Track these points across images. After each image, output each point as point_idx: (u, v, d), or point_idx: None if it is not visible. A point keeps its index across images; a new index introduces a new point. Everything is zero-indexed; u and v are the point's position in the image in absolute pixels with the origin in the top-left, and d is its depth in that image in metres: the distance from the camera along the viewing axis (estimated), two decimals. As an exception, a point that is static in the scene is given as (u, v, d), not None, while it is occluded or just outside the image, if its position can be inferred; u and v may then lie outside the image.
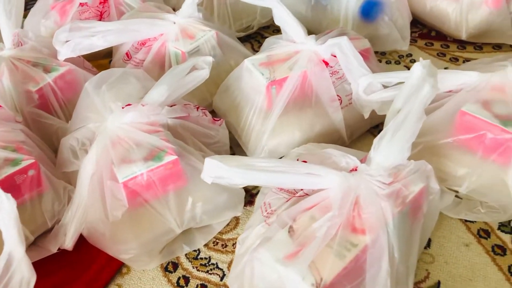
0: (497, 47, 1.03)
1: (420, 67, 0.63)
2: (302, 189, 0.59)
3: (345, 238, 0.52)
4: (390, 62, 1.03)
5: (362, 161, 0.60)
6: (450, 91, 0.72)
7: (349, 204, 0.54)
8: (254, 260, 0.54)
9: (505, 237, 0.67)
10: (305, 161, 0.61)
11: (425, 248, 0.67)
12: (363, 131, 0.83)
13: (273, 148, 0.76)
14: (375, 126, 0.85)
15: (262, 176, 0.55)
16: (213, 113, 0.89)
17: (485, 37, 1.01)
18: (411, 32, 1.10)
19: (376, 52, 1.05)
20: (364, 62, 0.77)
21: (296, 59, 0.78)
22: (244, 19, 1.12)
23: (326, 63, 0.78)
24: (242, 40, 1.14)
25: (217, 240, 0.72)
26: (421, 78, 0.61)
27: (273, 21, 0.84)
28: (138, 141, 0.65)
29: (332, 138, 0.79)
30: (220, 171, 0.54)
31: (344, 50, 0.74)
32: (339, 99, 0.78)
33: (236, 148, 0.84)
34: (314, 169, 0.56)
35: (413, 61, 1.02)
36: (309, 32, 0.84)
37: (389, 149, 0.57)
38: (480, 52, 1.03)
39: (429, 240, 0.68)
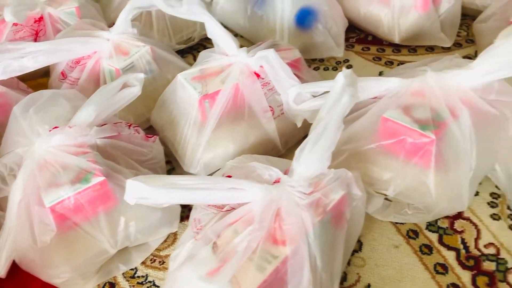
0: (430, 49, 1.07)
1: (341, 77, 0.65)
2: (228, 204, 0.60)
3: (266, 250, 0.53)
4: (328, 69, 1.05)
5: (286, 172, 0.61)
6: (375, 98, 0.74)
7: (270, 216, 0.55)
8: (178, 278, 0.54)
9: (432, 236, 0.70)
10: (230, 176, 0.62)
11: (356, 252, 0.69)
12: (298, 139, 0.84)
13: (209, 162, 0.77)
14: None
15: (186, 194, 0.56)
16: (152, 128, 0.89)
17: (417, 40, 1.04)
18: (349, 38, 1.13)
19: (314, 59, 1.07)
20: (293, 73, 0.79)
21: (228, 72, 0.79)
22: (184, 32, 1.12)
23: (258, 75, 0.79)
24: (184, 52, 1.15)
25: (154, 257, 0.72)
26: (341, 88, 0.63)
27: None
28: (65, 164, 0.65)
29: (267, 148, 0.80)
30: (142, 192, 0.55)
31: (271, 62, 0.75)
32: (271, 110, 0.79)
33: (176, 162, 0.85)
34: (237, 184, 0.57)
35: (350, 66, 1.05)
36: (249, 43, 0.86)
37: (309, 159, 0.58)
38: (414, 54, 1.07)
39: (361, 244, 0.70)
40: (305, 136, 0.60)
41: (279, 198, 0.57)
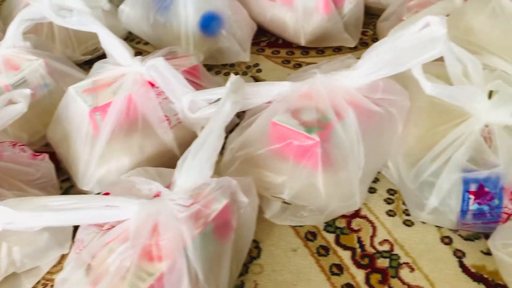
0: (337, 49, 1.08)
1: (228, 84, 0.65)
2: (108, 222, 0.58)
3: (141, 268, 0.51)
4: (238, 74, 1.04)
5: (169, 185, 0.60)
6: (269, 102, 0.74)
7: (146, 232, 0.53)
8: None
9: (330, 236, 0.70)
10: (107, 193, 0.59)
11: (254, 258, 0.68)
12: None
13: (102, 177, 0.74)
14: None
15: (57, 216, 0.53)
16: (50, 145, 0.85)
17: (323, 42, 1.05)
18: (260, 42, 1.13)
19: (224, 65, 1.06)
20: (191, 80, 0.78)
21: (121, 83, 0.77)
22: (89, 42, 1.08)
23: (152, 84, 0.77)
24: (91, 62, 1.11)
25: (46, 282, 0.68)
26: (225, 95, 0.62)
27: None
28: None
29: (165, 158, 0.78)
30: (9, 216, 0.52)
31: (161, 71, 0.74)
32: (167, 119, 0.77)
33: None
34: (112, 201, 0.55)
35: (260, 70, 1.05)
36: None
37: (190, 170, 0.57)
38: (322, 56, 1.08)
39: (259, 250, 0.69)
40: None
41: (156, 213, 0.55)
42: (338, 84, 0.70)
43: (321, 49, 1.09)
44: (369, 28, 1.14)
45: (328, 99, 0.68)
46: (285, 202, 0.72)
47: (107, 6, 1.03)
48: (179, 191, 0.57)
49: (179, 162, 0.58)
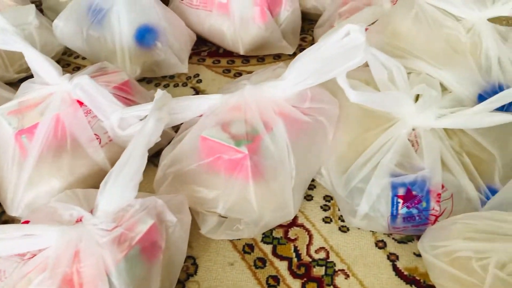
0: (277, 57, 1.09)
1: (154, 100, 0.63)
2: (29, 251, 0.56)
3: (61, 298, 0.50)
4: (178, 85, 1.03)
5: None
6: (202, 116, 0.73)
7: (67, 260, 0.52)
8: None
9: (267, 248, 0.70)
10: (27, 221, 0.57)
11: (191, 275, 0.67)
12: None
13: (31, 201, 0.72)
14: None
15: (-29, 248, 0.51)
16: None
17: (262, 50, 1.05)
18: (201, 52, 1.13)
19: (164, 77, 1.05)
20: (122, 96, 0.77)
21: (48, 103, 0.75)
22: (23, 59, 1.04)
23: (81, 103, 0.75)
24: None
25: (-27, 315, 0.65)
26: (148, 112, 0.61)
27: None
28: None
29: (99, 178, 0.73)
30: None
31: (87, 89, 0.72)
32: (97, 138, 0.75)
33: (6, 204, 0.78)
34: (30, 229, 0.53)
35: (200, 81, 1.04)
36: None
37: (112, 192, 0.56)
38: (262, 63, 1.08)
39: (196, 267, 0.68)
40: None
41: (77, 239, 0.53)
42: (266, 95, 0.70)
43: (261, 57, 1.09)
44: (309, 34, 1.15)
45: (257, 111, 0.68)
46: (223, 216, 0.71)
47: (36, 22, 1.00)
48: (101, 215, 0.55)
49: (101, 185, 0.57)
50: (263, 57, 1.09)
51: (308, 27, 1.17)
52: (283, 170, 0.67)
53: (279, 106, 0.69)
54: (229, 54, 1.11)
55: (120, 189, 0.56)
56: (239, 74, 1.05)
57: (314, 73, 0.67)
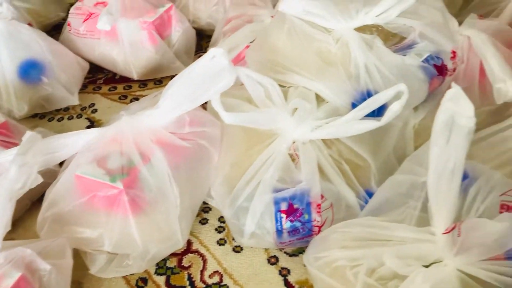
0: (175, 77, 1.08)
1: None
2: None
3: None
4: (72, 117, 1.00)
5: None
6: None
7: None
8: None
9: (160, 279, 0.69)
10: None
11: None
12: (23, 211, 0.78)
13: None
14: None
15: None
16: None
17: (156, 73, 1.04)
18: (97, 79, 1.10)
19: (58, 110, 1.01)
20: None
21: None
22: None
23: (-49, 152, 0.71)
24: None
25: None
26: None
27: None
28: None
29: None
30: None
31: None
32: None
33: None
34: None
35: (95, 110, 1.01)
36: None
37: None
38: (161, 86, 1.07)
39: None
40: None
41: None
42: (143, 124, 0.69)
43: (159, 79, 1.08)
44: (206, 51, 1.14)
45: (133, 142, 0.67)
46: (111, 253, 0.69)
47: None
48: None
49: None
50: (161, 79, 1.08)
51: (206, 45, 1.17)
52: (165, 199, 0.66)
53: (156, 134, 0.68)
54: (126, 80, 1.08)
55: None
56: (136, 99, 1.03)
57: (188, 98, 0.67)
